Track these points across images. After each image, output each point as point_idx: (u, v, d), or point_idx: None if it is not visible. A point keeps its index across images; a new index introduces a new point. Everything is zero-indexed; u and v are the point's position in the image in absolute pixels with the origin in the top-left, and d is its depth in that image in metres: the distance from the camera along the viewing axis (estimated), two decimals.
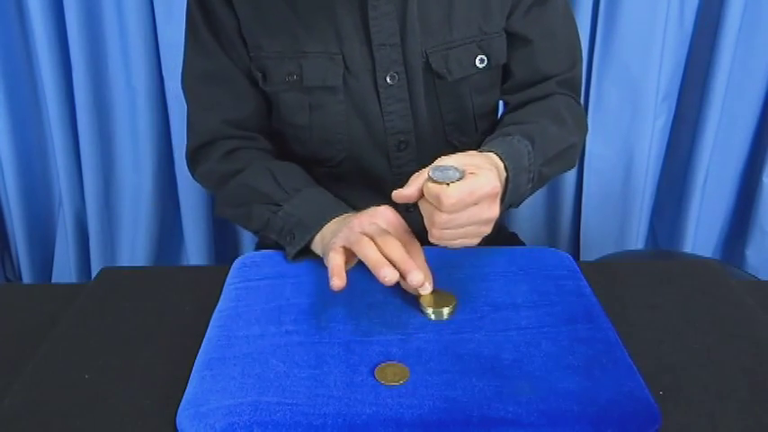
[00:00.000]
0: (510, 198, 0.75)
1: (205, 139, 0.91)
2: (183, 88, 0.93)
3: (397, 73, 0.88)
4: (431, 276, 0.71)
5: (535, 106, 0.92)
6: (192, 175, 0.96)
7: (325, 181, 0.94)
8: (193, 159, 0.94)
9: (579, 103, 0.98)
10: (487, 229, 0.68)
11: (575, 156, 0.92)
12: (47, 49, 1.62)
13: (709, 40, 1.58)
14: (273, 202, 0.82)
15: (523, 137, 0.79)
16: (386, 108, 0.89)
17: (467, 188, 0.63)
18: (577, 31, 0.96)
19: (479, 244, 0.79)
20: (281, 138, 0.94)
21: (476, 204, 0.65)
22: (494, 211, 0.67)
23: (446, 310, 0.70)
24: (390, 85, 0.88)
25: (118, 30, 1.63)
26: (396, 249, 0.67)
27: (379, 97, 0.89)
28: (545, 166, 0.82)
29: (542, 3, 0.91)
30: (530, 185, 0.78)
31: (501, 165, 0.73)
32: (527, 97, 0.94)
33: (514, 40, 0.92)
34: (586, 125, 0.97)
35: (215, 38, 0.88)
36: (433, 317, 0.70)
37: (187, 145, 0.94)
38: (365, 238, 0.68)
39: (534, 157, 0.78)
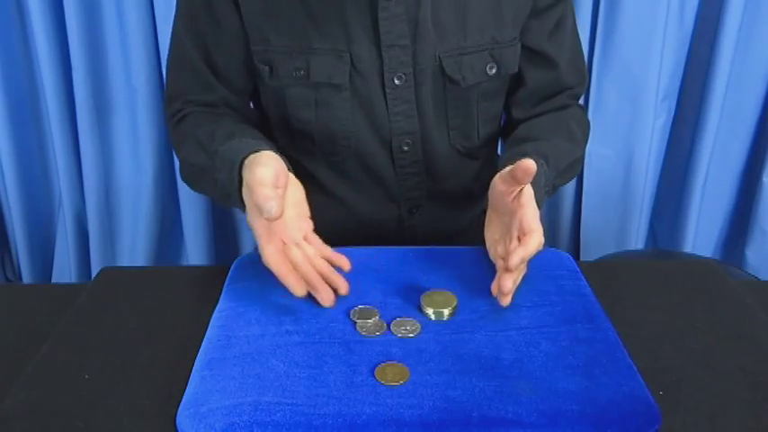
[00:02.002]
0: None
1: (172, 111, 0.94)
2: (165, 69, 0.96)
3: (405, 74, 0.88)
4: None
5: (548, 120, 0.95)
6: None
7: (330, 176, 0.95)
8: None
9: (584, 109, 1.01)
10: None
11: (579, 166, 0.97)
12: (47, 49, 1.62)
13: (710, 40, 1.58)
14: (207, 172, 0.81)
15: (539, 156, 0.81)
16: (392, 108, 0.89)
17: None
18: (581, 43, 0.99)
19: (479, 244, 0.79)
20: (287, 133, 0.94)
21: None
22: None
23: (446, 311, 0.70)
24: (398, 85, 0.88)
25: (118, 30, 1.63)
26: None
27: (385, 97, 0.89)
28: (557, 178, 0.86)
29: (561, 23, 0.92)
30: (546, 197, 0.82)
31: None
32: (541, 110, 0.97)
33: (537, 58, 0.94)
34: (589, 134, 1.00)
35: (193, 35, 0.89)
36: (433, 317, 0.70)
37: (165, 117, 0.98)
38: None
39: (549, 173, 0.81)
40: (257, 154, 0.73)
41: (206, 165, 0.81)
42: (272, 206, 0.65)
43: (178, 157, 0.92)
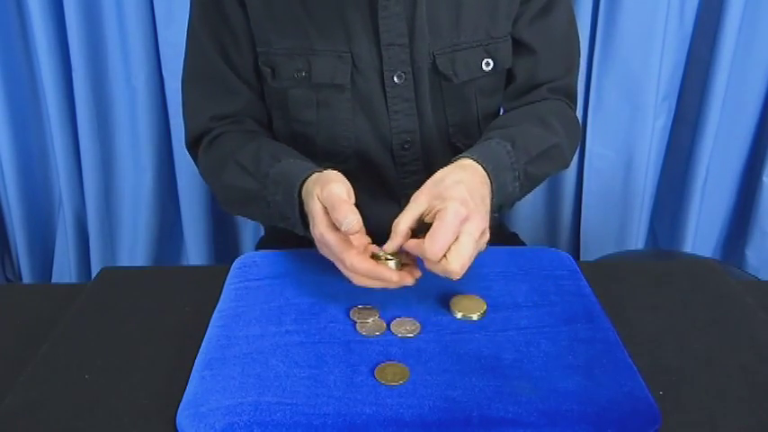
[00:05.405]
0: (498, 198, 0.75)
1: (195, 134, 0.93)
2: (181, 85, 0.95)
3: (404, 73, 0.88)
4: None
5: (520, 110, 0.93)
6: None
7: None
8: (192, 155, 0.96)
9: (572, 107, 0.98)
10: (485, 238, 0.69)
11: (562, 156, 0.91)
12: (47, 49, 1.62)
13: (709, 40, 1.58)
14: (258, 197, 0.81)
15: (503, 139, 0.80)
16: (392, 107, 0.90)
17: (448, 235, 0.64)
18: (578, 39, 0.97)
19: None
20: (288, 135, 0.94)
21: (463, 233, 0.65)
22: (478, 223, 0.67)
23: (475, 315, 0.71)
24: (397, 84, 0.88)
25: (118, 30, 1.63)
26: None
27: (385, 96, 0.89)
28: (530, 164, 0.81)
29: (547, 12, 0.91)
30: (517, 184, 0.79)
31: (480, 169, 0.73)
32: (522, 104, 0.95)
33: (519, 46, 0.93)
34: (577, 130, 0.97)
35: (213, 38, 0.89)
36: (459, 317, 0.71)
37: (185, 141, 0.96)
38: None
39: (516, 156, 0.79)
40: (322, 173, 0.73)
41: (255, 189, 0.80)
42: (351, 220, 0.66)
43: (214, 182, 0.90)
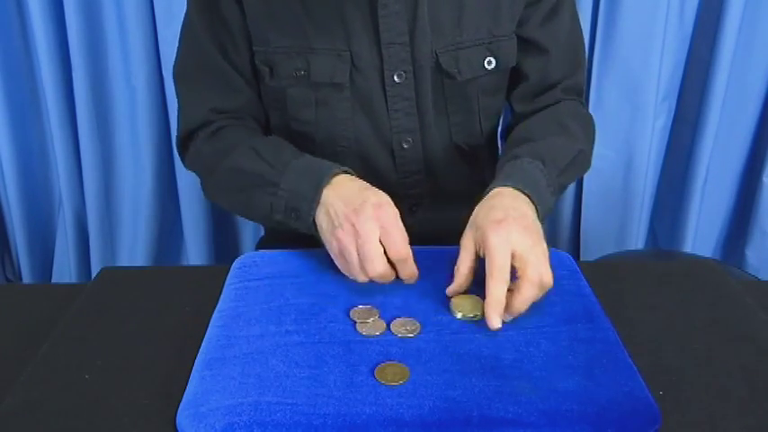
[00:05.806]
0: (542, 215, 0.77)
1: (192, 126, 0.92)
2: (174, 79, 0.94)
3: (404, 72, 0.88)
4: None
5: (539, 118, 0.94)
6: (183, 163, 0.96)
7: None
8: (183, 146, 0.95)
9: (584, 105, 0.99)
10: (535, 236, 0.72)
11: (586, 160, 0.93)
12: (47, 49, 1.62)
13: (709, 40, 1.58)
14: (268, 182, 0.80)
15: (533, 158, 0.81)
16: (392, 106, 0.90)
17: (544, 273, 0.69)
18: (583, 37, 0.98)
19: None
20: (286, 134, 0.94)
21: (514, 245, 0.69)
22: (518, 229, 0.70)
23: (473, 315, 0.71)
24: (398, 83, 0.89)
25: (118, 29, 1.63)
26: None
27: (385, 95, 0.89)
28: (561, 176, 0.84)
29: (556, 11, 0.92)
30: (553, 198, 0.81)
31: (524, 196, 0.75)
32: (536, 106, 0.96)
33: (530, 47, 0.93)
34: (593, 128, 0.98)
35: (211, 34, 0.89)
36: (459, 317, 0.71)
37: (177, 135, 0.95)
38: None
39: (549, 173, 0.80)
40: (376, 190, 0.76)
41: (266, 173, 0.80)
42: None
43: (212, 168, 0.88)
